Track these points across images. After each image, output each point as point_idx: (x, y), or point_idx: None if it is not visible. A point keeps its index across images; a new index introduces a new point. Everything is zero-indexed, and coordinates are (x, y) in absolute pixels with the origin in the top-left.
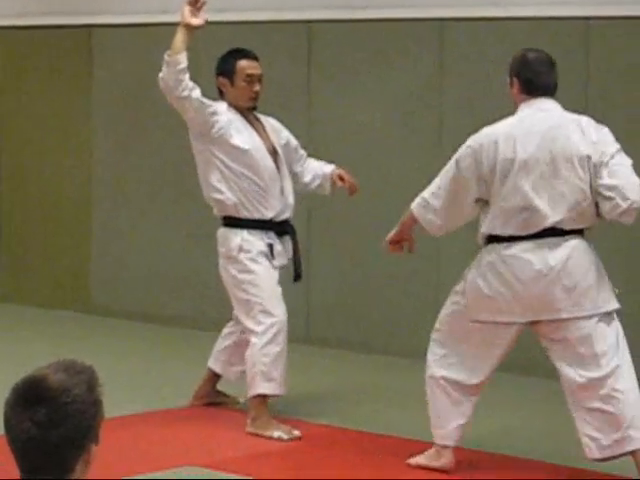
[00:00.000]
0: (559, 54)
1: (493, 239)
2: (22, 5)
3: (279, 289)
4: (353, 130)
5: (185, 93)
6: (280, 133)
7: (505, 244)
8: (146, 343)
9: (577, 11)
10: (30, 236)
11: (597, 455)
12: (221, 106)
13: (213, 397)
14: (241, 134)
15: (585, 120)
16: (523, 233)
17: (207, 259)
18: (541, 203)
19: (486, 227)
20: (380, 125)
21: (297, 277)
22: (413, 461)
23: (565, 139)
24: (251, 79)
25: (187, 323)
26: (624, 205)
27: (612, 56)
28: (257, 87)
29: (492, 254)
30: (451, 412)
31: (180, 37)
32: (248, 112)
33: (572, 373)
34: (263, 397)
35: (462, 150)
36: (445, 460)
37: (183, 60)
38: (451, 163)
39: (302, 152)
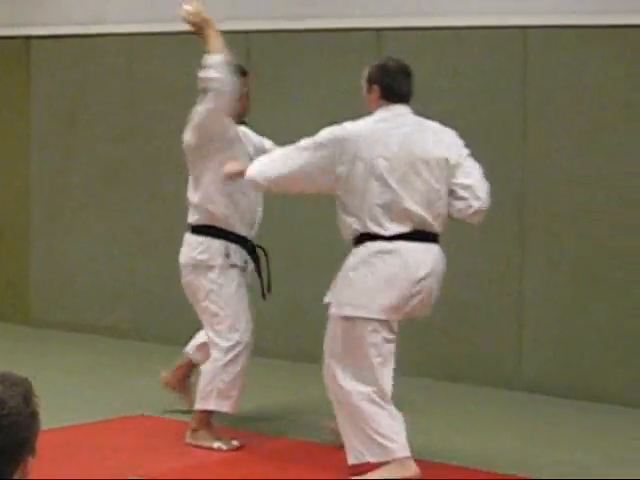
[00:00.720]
0: (497, 63)
1: (364, 237)
2: None
3: (248, 307)
4: (291, 141)
5: (231, 88)
6: (252, 140)
7: (370, 241)
8: (84, 354)
9: (514, 20)
10: None
11: None
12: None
13: (182, 387)
14: (237, 149)
15: (436, 125)
16: (386, 233)
17: (145, 270)
18: (401, 204)
19: (356, 224)
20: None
21: (268, 290)
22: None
23: (421, 142)
24: (241, 95)
25: (125, 334)
26: (476, 205)
27: (550, 65)
28: (245, 102)
29: (363, 250)
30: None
31: (217, 36)
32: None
33: None
34: (211, 413)
35: (323, 138)
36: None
37: (227, 56)
38: (307, 146)
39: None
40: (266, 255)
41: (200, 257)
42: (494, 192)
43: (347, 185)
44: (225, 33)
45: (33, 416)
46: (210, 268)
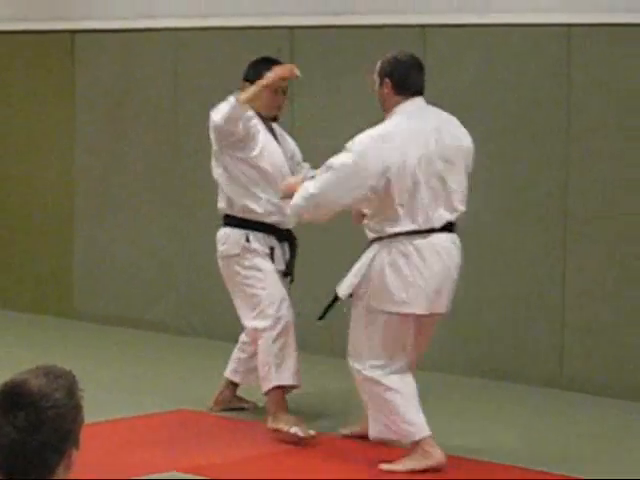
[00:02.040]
0: (541, 60)
1: (395, 235)
2: (3, 10)
3: (283, 287)
4: (335, 135)
5: (239, 128)
6: (289, 145)
7: (407, 237)
8: (127, 348)
9: (559, 18)
10: (13, 241)
11: None
12: (252, 116)
13: (233, 403)
14: (260, 143)
15: (446, 114)
16: (423, 228)
17: (189, 266)
18: (446, 199)
19: (389, 225)
20: (361, 130)
21: (290, 280)
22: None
23: (452, 133)
24: (277, 89)
25: (169, 329)
26: None
27: (594, 63)
28: (281, 98)
29: (400, 246)
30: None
31: (255, 92)
32: (268, 121)
33: None
34: (280, 390)
35: (347, 155)
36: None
37: (246, 111)
38: (330, 165)
39: (304, 164)
40: (292, 242)
41: (222, 248)
42: (537, 190)
43: (386, 188)
44: (269, 28)
45: (77, 409)
46: (234, 257)
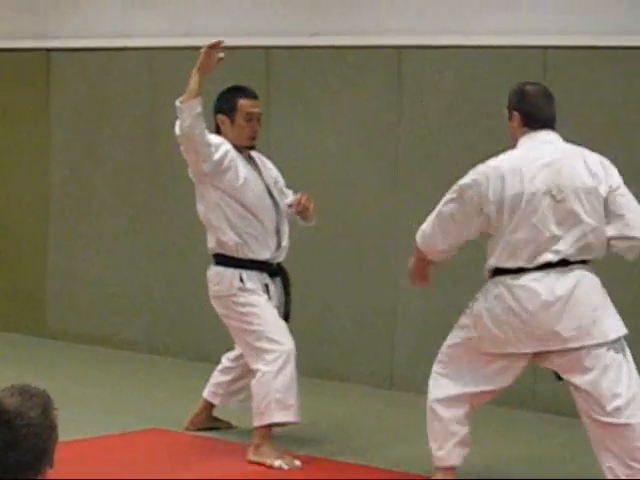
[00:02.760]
0: (516, 83)
1: (500, 271)
2: None
3: (283, 322)
4: (311, 156)
5: (205, 139)
6: (270, 172)
7: (512, 275)
8: (101, 367)
9: (535, 40)
10: None
11: None
12: (225, 142)
13: (209, 423)
14: (241, 174)
15: (587, 152)
16: (530, 265)
17: (164, 285)
18: (549, 235)
19: (493, 260)
20: (338, 151)
21: (286, 318)
22: None
23: (570, 170)
24: (251, 118)
25: (143, 348)
26: (633, 238)
27: (568, 85)
28: (257, 126)
29: (499, 286)
30: (445, 432)
31: (196, 81)
32: (245, 150)
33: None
34: (272, 426)
35: (466, 182)
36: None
37: (199, 106)
38: (452, 193)
39: (287, 191)
40: (285, 279)
41: (216, 288)
42: None
43: (497, 221)
44: (244, 49)
45: (52, 427)
46: (229, 297)
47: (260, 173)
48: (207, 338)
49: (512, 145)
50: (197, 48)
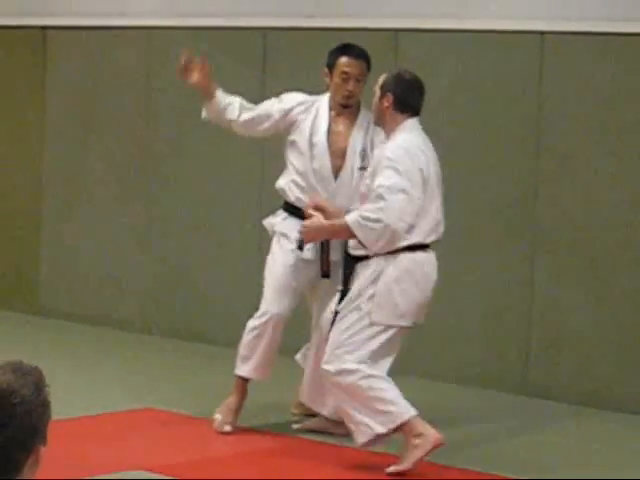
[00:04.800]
0: (513, 67)
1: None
2: None
3: (289, 281)
4: None
5: (243, 122)
6: (375, 134)
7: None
8: (94, 346)
9: (532, 25)
10: None
11: None
12: (294, 98)
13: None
14: (305, 129)
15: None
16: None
17: (156, 265)
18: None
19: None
20: None
21: (325, 274)
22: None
23: (435, 159)
24: (347, 77)
25: (135, 327)
26: None
27: (566, 71)
28: (351, 86)
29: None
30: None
31: (202, 93)
32: (341, 108)
33: None
34: (241, 379)
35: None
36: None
37: (214, 105)
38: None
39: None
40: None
41: (266, 221)
42: (506, 197)
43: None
44: (242, 30)
45: (44, 405)
46: (273, 234)
47: (339, 134)
48: (200, 317)
49: (385, 125)
50: (193, 28)
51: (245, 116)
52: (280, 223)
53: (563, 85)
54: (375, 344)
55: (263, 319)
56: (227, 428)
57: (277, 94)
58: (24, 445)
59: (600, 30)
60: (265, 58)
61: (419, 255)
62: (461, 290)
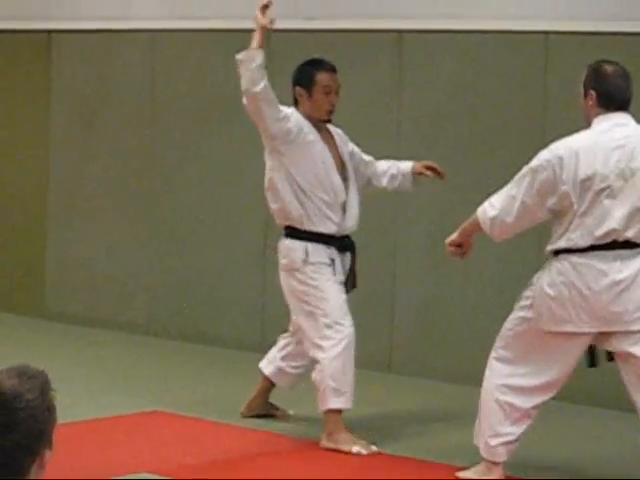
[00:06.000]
0: (517, 68)
1: (565, 250)
2: None
3: (345, 300)
4: None
5: (269, 95)
6: (347, 144)
7: (578, 254)
8: (100, 349)
9: (536, 26)
10: None
11: None
12: (295, 114)
13: (265, 409)
14: (312, 147)
15: None
16: (596, 245)
17: (162, 266)
18: (619, 217)
19: (563, 240)
20: None
21: (353, 286)
22: (462, 475)
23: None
24: (329, 91)
25: (141, 330)
26: None
27: (570, 71)
28: (334, 99)
29: (563, 262)
30: (504, 426)
31: (256, 36)
32: (321, 124)
33: None
34: (336, 412)
35: (540, 161)
36: (496, 476)
37: (259, 57)
38: (525, 173)
39: (367, 158)
40: (353, 250)
41: (283, 262)
42: None
43: (570, 202)
44: (243, 32)
45: (50, 409)
46: (295, 270)
47: (334, 147)
48: (207, 320)
49: (585, 125)
50: (197, 31)
51: (271, 94)
52: (312, 253)
53: (568, 85)
54: None
55: (343, 344)
56: (374, 447)
57: (279, 97)
58: (30, 449)
59: (605, 30)
60: (268, 60)
61: (578, 257)
62: (474, 291)
